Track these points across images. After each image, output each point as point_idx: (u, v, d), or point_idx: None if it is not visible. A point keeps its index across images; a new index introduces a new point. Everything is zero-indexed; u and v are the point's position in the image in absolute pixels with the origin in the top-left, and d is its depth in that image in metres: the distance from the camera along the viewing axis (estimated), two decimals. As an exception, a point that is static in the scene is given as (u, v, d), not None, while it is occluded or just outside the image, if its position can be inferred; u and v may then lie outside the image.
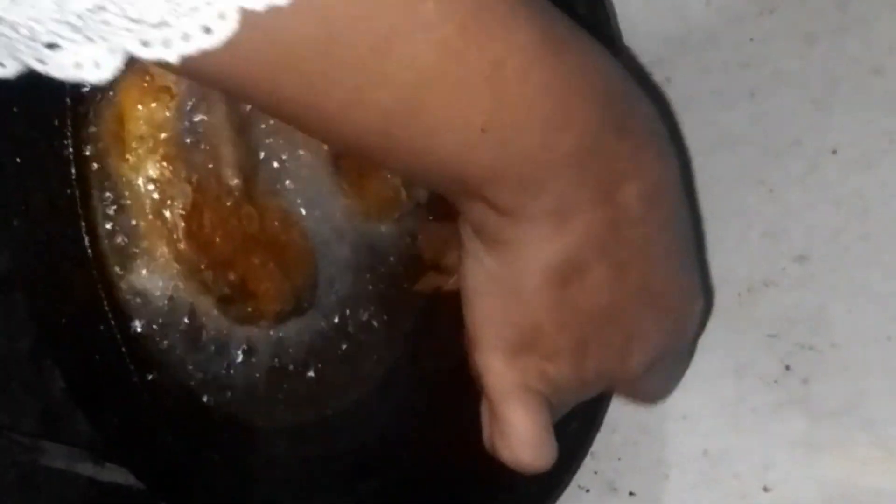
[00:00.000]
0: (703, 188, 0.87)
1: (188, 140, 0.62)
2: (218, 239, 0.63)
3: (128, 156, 0.60)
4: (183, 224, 0.61)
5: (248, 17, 0.36)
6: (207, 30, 0.36)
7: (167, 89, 0.61)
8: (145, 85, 0.60)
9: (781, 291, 0.86)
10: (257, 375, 0.66)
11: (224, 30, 0.36)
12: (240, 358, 0.65)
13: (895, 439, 0.82)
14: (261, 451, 0.68)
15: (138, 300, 0.61)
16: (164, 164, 0.61)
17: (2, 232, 0.58)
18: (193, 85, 0.63)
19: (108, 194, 0.60)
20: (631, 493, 0.85)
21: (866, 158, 0.84)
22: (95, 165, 0.59)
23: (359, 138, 0.44)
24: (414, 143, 0.44)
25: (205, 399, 0.63)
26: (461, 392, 0.74)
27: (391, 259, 0.73)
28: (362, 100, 0.41)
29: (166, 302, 0.62)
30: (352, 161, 0.70)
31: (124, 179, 0.60)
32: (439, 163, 0.45)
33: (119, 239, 0.60)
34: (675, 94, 0.88)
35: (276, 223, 0.67)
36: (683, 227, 0.58)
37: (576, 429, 0.72)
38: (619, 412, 0.79)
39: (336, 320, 0.71)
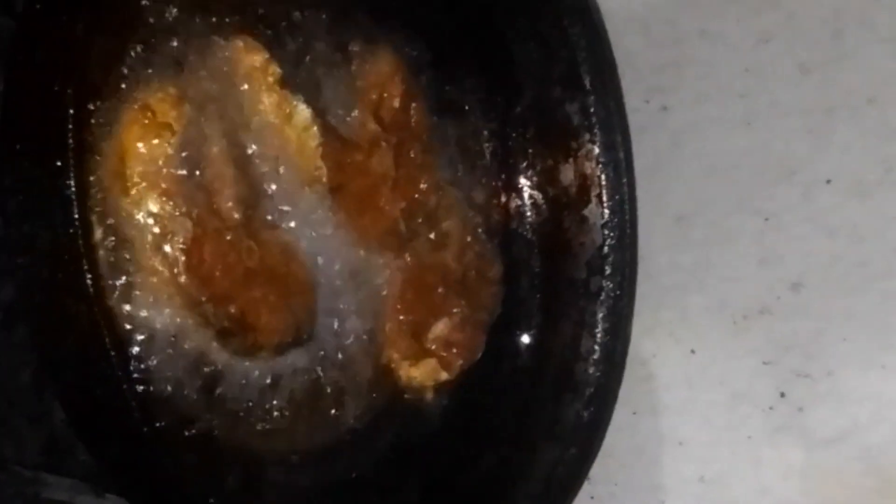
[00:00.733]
0: (699, 216, 0.88)
1: (189, 175, 0.63)
2: (218, 273, 0.64)
3: (129, 191, 0.61)
4: (183, 258, 0.62)
5: None
6: None
7: (168, 126, 0.62)
8: (146, 122, 0.61)
9: (777, 319, 0.87)
10: (257, 406, 0.67)
11: None
12: (239, 389, 0.66)
13: (890, 467, 0.83)
14: (261, 480, 0.68)
15: (139, 334, 0.61)
16: (165, 199, 0.62)
17: (6, 266, 0.59)
18: (194, 121, 0.64)
19: (110, 229, 0.60)
20: (627, 519, 0.85)
21: (861, 187, 0.85)
22: (98, 201, 0.60)
23: None
24: None
25: (205, 430, 0.64)
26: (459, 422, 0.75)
27: (388, 290, 0.74)
28: None
29: (167, 335, 0.63)
30: (350, 193, 0.71)
31: (126, 215, 0.61)
32: None
33: (120, 273, 0.61)
34: (672, 123, 0.89)
35: (276, 256, 0.67)
36: None
37: (573, 454, 0.73)
38: (616, 438, 0.80)
39: (334, 351, 0.71)
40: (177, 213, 0.62)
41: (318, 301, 0.69)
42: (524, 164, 0.79)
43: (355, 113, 0.71)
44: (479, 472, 0.76)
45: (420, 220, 0.74)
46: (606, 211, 0.76)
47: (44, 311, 0.57)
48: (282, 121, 0.67)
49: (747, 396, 0.89)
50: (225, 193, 0.63)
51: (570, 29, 0.72)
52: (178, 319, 0.62)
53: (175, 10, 0.63)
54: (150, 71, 0.62)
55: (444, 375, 0.74)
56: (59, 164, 0.54)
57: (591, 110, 0.75)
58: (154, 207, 0.61)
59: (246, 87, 0.66)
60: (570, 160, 0.76)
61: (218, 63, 0.65)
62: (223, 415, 0.64)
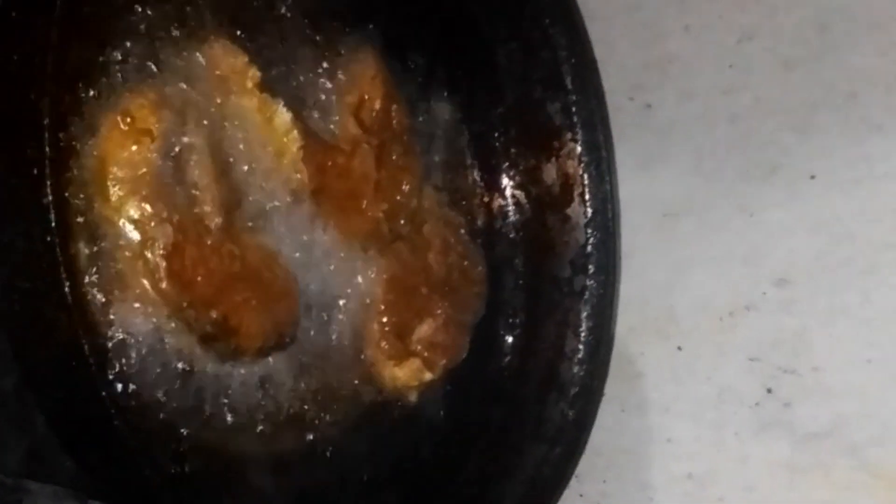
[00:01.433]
0: (683, 213, 0.88)
1: (169, 180, 0.63)
2: (200, 277, 0.63)
3: (109, 197, 0.61)
4: (164, 264, 0.62)
5: None
6: None
7: (148, 131, 0.62)
8: (126, 128, 0.61)
9: (762, 315, 0.87)
10: (240, 410, 0.67)
11: None
12: (222, 394, 0.66)
13: (877, 462, 0.83)
14: (246, 484, 0.68)
15: (119, 341, 0.61)
16: (146, 204, 0.62)
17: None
18: (175, 126, 0.63)
19: (90, 236, 0.60)
20: (616, 516, 0.86)
21: (845, 183, 0.85)
22: (77, 208, 0.59)
23: None
24: None
25: (187, 435, 0.63)
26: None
27: (371, 291, 0.74)
28: None
29: (148, 341, 0.62)
30: (331, 195, 0.71)
31: (106, 221, 0.61)
32: None
33: (101, 280, 0.60)
34: (656, 121, 0.89)
35: (257, 260, 0.67)
36: None
37: (559, 454, 0.73)
38: (604, 436, 0.80)
39: (317, 353, 0.71)
40: (157, 219, 0.61)
41: (300, 304, 0.69)
42: (507, 164, 0.79)
43: (336, 115, 0.71)
44: (464, 472, 0.76)
45: (402, 222, 0.74)
46: (589, 210, 0.76)
47: (23, 320, 0.57)
48: (262, 124, 0.67)
49: (734, 393, 0.89)
50: (206, 198, 0.63)
51: (551, 29, 0.73)
52: (160, 325, 0.62)
53: (152, 14, 0.62)
54: (128, 76, 0.62)
55: (428, 376, 0.74)
56: (35, 172, 0.54)
57: (573, 110, 0.75)
58: (135, 213, 0.61)
59: (225, 90, 0.65)
60: (553, 160, 0.77)
61: (197, 67, 0.65)
62: (206, 420, 0.64)
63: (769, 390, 0.86)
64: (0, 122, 0.57)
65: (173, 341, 0.63)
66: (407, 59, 0.75)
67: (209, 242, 0.64)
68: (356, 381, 0.71)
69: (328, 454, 0.71)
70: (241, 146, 0.67)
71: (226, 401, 0.66)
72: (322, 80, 0.71)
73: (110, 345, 0.61)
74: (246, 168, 0.67)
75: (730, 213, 0.87)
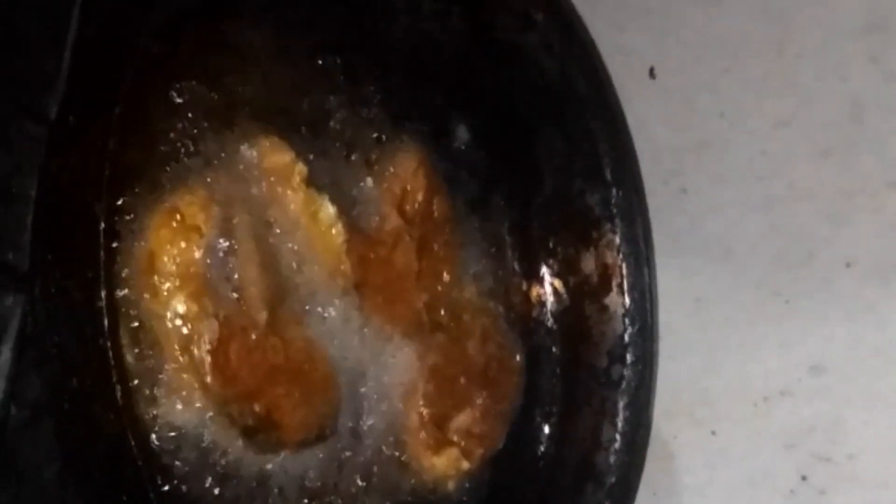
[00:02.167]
0: (718, 299, 0.88)
1: (216, 276, 0.63)
2: (244, 372, 0.64)
3: (157, 294, 0.61)
4: (209, 359, 0.62)
5: None
6: None
7: (197, 228, 0.62)
8: (175, 225, 0.62)
9: (798, 402, 0.87)
10: (281, 503, 0.67)
11: None
12: (264, 488, 0.66)
13: (912, 552, 0.82)
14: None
15: (165, 438, 0.62)
16: (192, 300, 0.62)
17: (33, 364, 0.59)
18: (223, 222, 0.64)
19: (138, 334, 0.61)
20: None
21: (880, 272, 0.85)
22: (126, 306, 0.60)
23: None
24: None
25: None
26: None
27: (411, 381, 0.74)
28: None
29: (192, 437, 0.63)
30: (374, 287, 0.71)
31: (154, 318, 0.61)
32: None
33: (148, 378, 0.61)
34: (691, 205, 0.89)
35: (300, 352, 0.68)
36: None
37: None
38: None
39: (357, 445, 0.71)
40: (204, 315, 0.62)
41: (340, 396, 0.69)
42: (545, 253, 0.79)
43: (379, 208, 0.72)
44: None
45: (443, 312, 0.75)
46: (628, 300, 0.76)
47: (71, 418, 0.58)
48: (308, 219, 0.68)
49: (768, 479, 0.89)
50: (252, 293, 0.64)
51: (592, 123, 0.73)
52: (204, 420, 0.63)
53: (202, 115, 0.63)
54: (178, 175, 0.62)
55: (465, 465, 0.74)
56: (90, 275, 0.54)
57: (613, 202, 0.75)
58: (181, 309, 0.61)
59: (273, 186, 0.66)
60: (592, 249, 0.77)
61: (245, 164, 0.66)
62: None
63: (804, 478, 0.86)
64: (56, 223, 0.57)
65: (216, 435, 0.64)
66: (449, 148, 0.75)
67: (253, 337, 0.65)
68: (395, 471, 0.71)
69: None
70: (287, 240, 0.67)
71: (268, 494, 0.66)
72: (365, 173, 0.72)
73: (156, 442, 0.61)
74: (291, 263, 0.68)
75: (764, 299, 0.87)
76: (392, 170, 0.73)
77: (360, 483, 0.71)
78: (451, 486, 0.75)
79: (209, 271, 0.64)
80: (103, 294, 0.55)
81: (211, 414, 0.64)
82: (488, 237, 0.78)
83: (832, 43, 0.86)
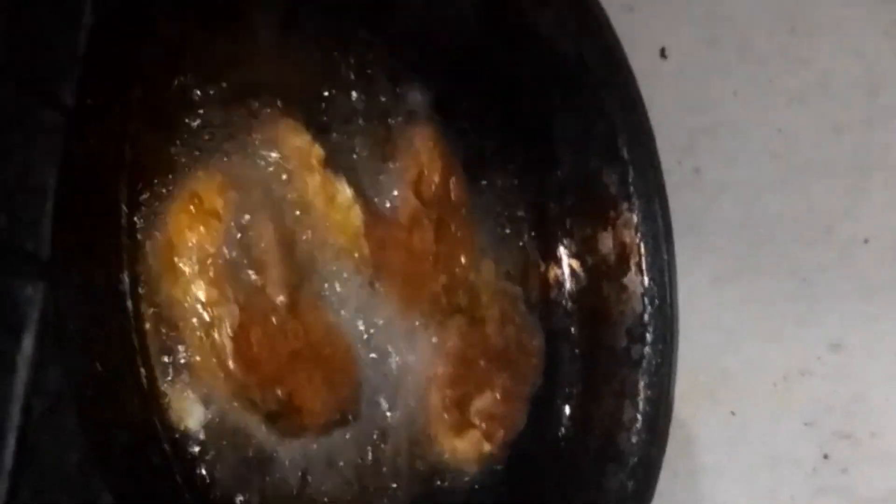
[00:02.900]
0: (735, 277, 0.88)
1: (235, 261, 0.63)
2: (265, 356, 0.64)
3: (177, 280, 0.61)
4: (231, 344, 0.62)
5: None
6: None
7: (215, 212, 0.62)
8: (194, 210, 0.61)
9: (817, 380, 0.86)
10: (304, 486, 0.67)
11: None
12: (287, 471, 0.66)
13: (936, 528, 0.82)
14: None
15: (189, 421, 0.61)
16: (213, 285, 0.62)
17: (55, 354, 0.59)
18: (242, 206, 0.64)
19: (159, 320, 0.60)
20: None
21: (899, 246, 0.84)
22: (147, 292, 0.60)
23: None
24: None
25: (254, 513, 0.64)
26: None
27: (432, 365, 0.74)
28: None
29: (216, 421, 0.62)
30: (392, 270, 0.71)
31: (175, 302, 0.61)
32: None
33: (171, 363, 0.61)
34: (705, 185, 0.89)
35: (321, 336, 0.67)
36: None
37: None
38: (656, 501, 0.79)
39: (378, 427, 0.71)
40: (224, 300, 0.61)
41: (361, 379, 0.69)
42: (562, 234, 0.79)
43: (395, 190, 0.71)
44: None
45: (461, 294, 0.74)
46: (646, 279, 0.76)
47: (95, 404, 0.57)
48: (325, 202, 0.67)
49: (789, 458, 0.89)
50: (272, 276, 0.63)
51: (607, 101, 0.73)
52: (228, 405, 0.62)
53: (220, 98, 0.63)
54: (197, 158, 0.62)
55: (487, 447, 0.74)
56: (111, 258, 0.54)
57: (630, 180, 0.75)
58: (202, 295, 0.61)
59: (290, 169, 0.66)
60: (609, 229, 0.77)
61: (263, 147, 0.65)
62: (273, 497, 0.64)
63: (825, 456, 0.86)
64: (77, 210, 0.57)
65: (239, 420, 0.63)
66: (465, 130, 0.75)
67: (274, 321, 0.64)
68: (417, 454, 0.71)
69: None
70: (305, 223, 0.67)
71: (290, 477, 0.66)
72: (382, 155, 0.71)
73: (181, 426, 0.60)
74: (309, 245, 0.67)
75: (782, 278, 0.87)
76: (408, 152, 0.73)
77: (382, 466, 0.70)
78: (473, 468, 0.74)
79: (228, 256, 0.63)
80: (126, 277, 0.54)
81: (233, 399, 0.63)
82: (505, 219, 0.78)
83: (846, 18, 0.86)
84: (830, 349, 0.84)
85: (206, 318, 0.61)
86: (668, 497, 0.92)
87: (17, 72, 0.58)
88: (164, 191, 0.61)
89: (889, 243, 0.83)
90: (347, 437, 0.69)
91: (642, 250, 0.74)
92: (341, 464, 0.68)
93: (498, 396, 0.74)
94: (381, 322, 0.70)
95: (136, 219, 0.58)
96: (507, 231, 0.78)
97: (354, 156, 0.70)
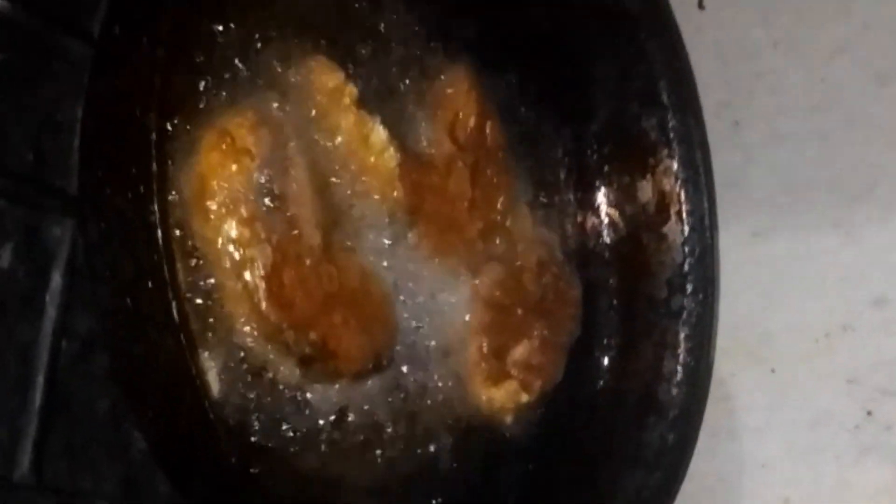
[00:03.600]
0: (776, 233, 0.86)
1: (268, 201, 0.62)
2: (298, 299, 0.62)
3: (209, 218, 0.60)
4: (264, 285, 0.61)
5: None
6: None
7: (247, 151, 0.61)
8: (225, 147, 0.60)
9: (860, 336, 0.85)
10: (340, 433, 0.66)
11: None
12: (323, 417, 0.65)
13: (984, 486, 0.80)
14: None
15: (222, 363, 0.60)
16: (245, 225, 0.61)
17: (83, 296, 0.58)
18: (274, 145, 0.63)
19: (190, 257, 0.59)
20: (709, 541, 0.83)
21: (944, 199, 0.82)
22: (178, 229, 0.59)
23: None
24: None
25: (291, 459, 0.62)
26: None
27: (468, 312, 0.72)
28: None
29: (249, 363, 0.61)
30: (427, 214, 0.70)
31: (206, 241, 0.60)
32: None
33: (203, 302, 0.59)
34: (744, 138, 0.87)
35: (355, 280, 0.66)
36: None
37: (658, 479, 0.71)
38: (694, 461, 0.78)
39: (414, 375, 0.70)
40: (257, 239, 0.60)
41: (397, 326, 0.67)
42: (601, 182, 0.77)
43: (431, 133, 0.70)
44: (561, 497, 0.74)
45: (497, 241, 0.73)
46: (687, 228, 0.74)
47: (126, 342, 0.56)
48: (359, 142, 0.66)
49: (832, 416, 0.87)
50: (304, 217, 0.62)
51: (647, 43, 0.71)
52: (260, 347, 0.61)
53: (251, 34, 0.62)
54: (228, 95, 0.61)
55: (524, 398, 0.73)
56: (141, 190, 0.53)
57: (670, 125, 0.73)
58: (234, 234, 0.60)
59: (323, 108, 0.65)
60: (648, 177, 0.75)
61: (295, 85, 0.64)
62: (308, 444, 0.63)
63: (869, 413, 0.84)
64: (105, 141, 0.56)
65: (274, 363, 0.62)
66: (501, 74, 0.73)
67: (308, 263, 0.63)
68: (454, 403, 0.70)
69: (425, 478, 0.69)
70: (338, 164, 0.66)
71: (326, 425, 0.65)
72: (417, 97, 0.70)
73: (213, 366, 0.59)
74: (343, 186, 0.66)
75: (824, 232, 0.85)
76: (444, 94, 0.71)
77: (417, 414, 0.69)
78: (509, 418, 0.73)
79: (260, 195, 0.62)
80: (156, 208, 0.53)
81: (266, 341, 0.62)
82: (542, 165, 0.77)
83: (887, -33, 0.84)
84: (874, 304, 0.82)
85: (238, 257, 0.60)
86: (708, 456, 0.90)
87: (42, 4, 0.57)
88: (194, 126, 0.59)
89: (934, 195, 0.80)
90: (382, 383, 0.67)
91: (682, 198, 0.73)
92: (374, 410, 0.66)
93: (536, 346, 0.72)
94: (416, 267, 0.69)
95: (165, 151, 0.56)
96: (545, 179, 0.76)
97: (389, 96, 0.68)
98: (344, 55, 0.67)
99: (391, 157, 0.67)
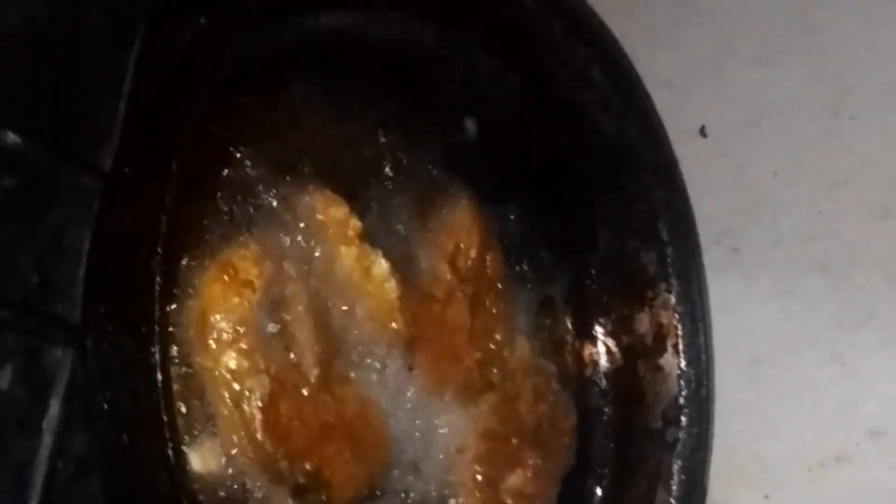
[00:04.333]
0: (773, 359, 0.87)
1: (268, 331, 0.63)
2: (294, 429, 0.63)
3: (209, 349, 0.60)
4: (260, 416, 0.61)
5: None
6: None
7: (249, 283, 0.62)
8: (228, 280, 0.61)
9: (855, 467, 0.85)
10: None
11: None
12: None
13: None
14: None
15: (216, 496, 0.60)
16: (244, 356, 0.61)
17: (81, 418, 0.58)
18: (276, 277, 0.63)
19: (188, 389, 0.60)
20: None
21: (942, 334, 0.83)
22: (177, 360, 0.59)
23: None
24: None
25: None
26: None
27: (463, 441, 0.73)
28: None
29: (242, 495, 0.62)
30: (426, 344, 0.70)
31: (205, 372, 0.61)
32: None
33: (199, 433, 0.60)
34: (743, 265, 0.88)
35: (352, 410, 0.67)
36: None
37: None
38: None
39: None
40: (255, 370, 0.61)
41: (392, 455, 0.68)
42: (599, 313, 0.78)
43: (432, 264, 0.71)
44: None
45: (495, 371, 0.74)
46: (683, 361, 0.75)
47: (121, 475, 0.57)
48: (361, 274, 0.67)
49: (825, 548, 0.86)
50: (303, 348, 0.63)
51: (649, 181, 0.72)
52: (254, 478, 0.61)
53: (257, 169, 0.63)
54: (232, 230, 0.62)
55: (517, 528, 0.73)
56: (144, 330, 0.54)
57: (668, 261, 0.74)
58: (233, 364, 0.61)
59: (326, 241, 0.66)
60: (646, 309, 0.76)
61: (299, 218, 0.65)
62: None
63: (862, 546, 0.84)
64: (110, 277, 0.57)
65: (266, 493, 0.63)
66: (503, 206, 0.75)
67: (305, 393, 0.64)
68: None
69: None
70: (339, 296, 0.67)
71: (316, 555, 0.65)
72: (419, 228, 0.71)
73: (207, 497, 0.60)
74: (343, 318, 0.67)
75: (821, 362, 0.85)
76: (446, 226, 0.72)
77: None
78: (502, 549, 0.73)
79: (260, 326, 0.63)
80: (157, 349, 0.54)
81: (261, 471, 0.62)
82: (541, 296, 0.77)
83: (888, 103, 0.85)
84: (870, 436, 0.82)
85: (236, 387, 0.61)
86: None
87: (55, 135, 0.58)
88: (198, 258, 0.60)
89: (932, 330, 0.81)
90: (375, 512, 0.67)
91: (679, 332, 0.73)
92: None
93: (529, 475, 0.73)
94: (413, 397, 0.69)
95: (169, 289, 0.57)
96: (543, 308, 0.77)
97: (391, 229, 0.69)
98: (348, 189, 0.67)
99: (392, 289, 0.68)
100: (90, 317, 0.56)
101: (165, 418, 0.54)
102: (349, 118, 0.69)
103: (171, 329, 0.58)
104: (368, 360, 0.67)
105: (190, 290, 0.60)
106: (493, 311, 0.73)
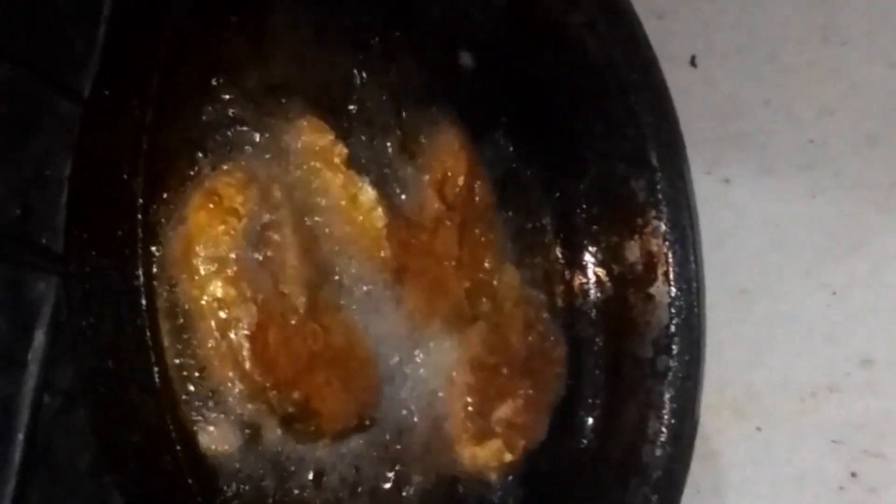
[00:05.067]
0: (763, 290, 0.86)
1: (254, 259, 0.62)
2: (282, 358, 0.62)
3: (194, 277, 0.60)
4: (248, 345, 0.61)
5: None
6: None
7: (234, 210, 0.61)
8: (213, 207, 0.60)
9: (846, 396, 0.85)
10: (320, 493, 0.65)
11: None
12: (304, 477, 0.64)
13: (967, 551, 0.80)
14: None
15: (203, 422, 0.60)
16: (230, 284, 0.61)
17: (66, 351, 0.58)
18: (261, 204, 0.63)
19: (174, 317, 0.59)
20: None
21: (931, 262, 0.82)
22: (163, 288, 0.58)
23: None
24: None
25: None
26: None
27: (453, 371, 0.72)
28: None
29: (230, 423, 0.61)
30: (414, 273, 0.70)
31: (191, 301, 0.60)
32: None
33: (185, 361, 0.59)
34: (734, 195, 0.87)
35: (340, 339, 0.66)
36: None
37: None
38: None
39: (397, 434, 0.70)
40: (242, 299, 0.60)
41: (381, 385, 0.67)
42: (588, 241, 0.77)
43: (419, 192, 0.70)
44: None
45: (484, 300, 0.73)
46: (674, 289, 0.74)
47: (107, 403, 0.56)
48: (347, 202, 0.66)
49: (816, 476, 0.87)
50: (291, 277, 0.62)
51: (637, 105, 0.71)
52: (243, 406, 0.61)
53: (240, 94, 0.62)
54: (216, 155, 0.61)
55: (508, 457, 0.73)
56: (127, 253, 0.53)
57: (658, 187, 0.73)
58: (219, 293, 0.60)
59: (312, 168, 0.65)
60: (636, 237, 0.75)
61: (284, 144, 0.64)
62: (288, 502, 0.63)
63: (853, 474, 0.84)
64: (92, 201, 0.56)
65: (256, 423, 0.62)
66: (490, 133, 0.74)
67: (293, 322, 0.63)
68: (436, 462, 0.70)
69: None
70: (326, 224, 0.66)
71: (305, 483, 0.64)
72: (406, 156, 0.70)
73: (193, 425, 0.59)
74: (330, 246, 0.66)
75: (811, 292, 0.85)
76: (433, 153, 0.71)
77: (399, 474, 0.69)
78: (493, 476, 0.73)
79: (246, 254, 0.62)
80: (141, 272, 0.53)
81: (249, 400, 0.61)
82: (530, 224, 0.76)
83: (878, 29, 0.84)
84: (860, 365, 0.82)
85: (223, 316, 0.60)
86: (694, 511, 0.90)
87: (34, 61, 0.57)
88: (182, 186, 0.59)
89: (921, 258, 0.80)
90: (364, 442, 0.67)
91: (670, 259, 0.73)
92: (356, 469, 0.66)
93: (520, 405, 0.72)
94: (401, 326, 0.69)
95: (152, 213, 0.56)
96: (532, 237, 0.76)
97: (378, 156, 0.68)
98: (334, 116, 0.66)
99: (379, 217, 0.67)
100: (73, 243, 0.55)
101: (150, 342, 0.53)
102: (334, 44, 0.68)
103: (155, 254, 0.57)
104: (356, 289, 0.66)
105: (174, 218, 0.58)
106: (482, 240, 0.73)
